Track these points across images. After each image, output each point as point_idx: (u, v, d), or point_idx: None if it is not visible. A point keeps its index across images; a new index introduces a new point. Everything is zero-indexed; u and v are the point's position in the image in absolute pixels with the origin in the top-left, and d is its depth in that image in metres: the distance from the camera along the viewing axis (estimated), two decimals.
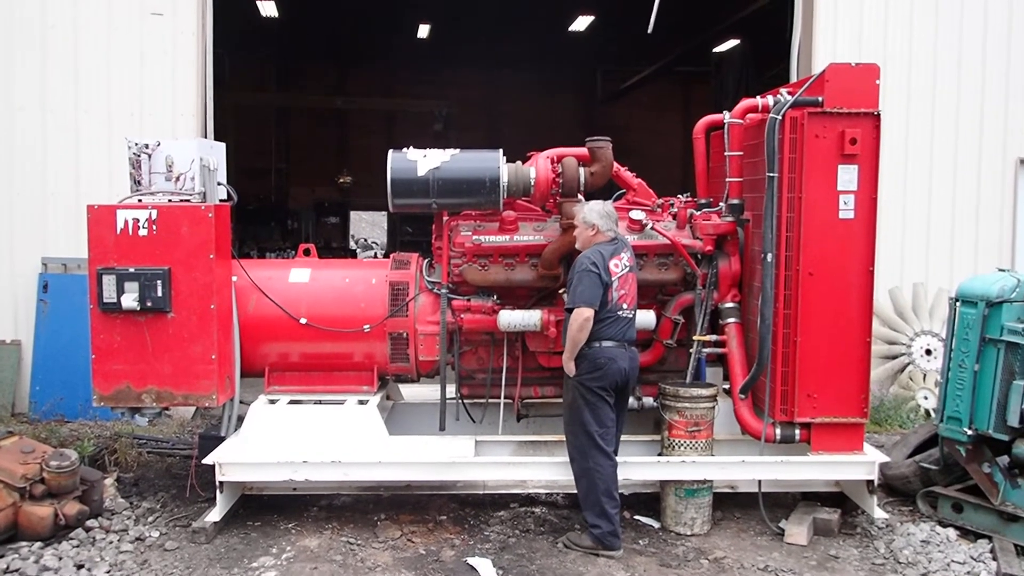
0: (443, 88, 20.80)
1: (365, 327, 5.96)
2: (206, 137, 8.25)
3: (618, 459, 5.45)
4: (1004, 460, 5.57)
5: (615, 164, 5.92)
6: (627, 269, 5.39)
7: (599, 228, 5.36)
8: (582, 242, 5.42)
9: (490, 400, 6.17)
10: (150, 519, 5.76)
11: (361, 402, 5.94)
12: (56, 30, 8.24)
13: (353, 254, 22.25)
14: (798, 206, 5.42)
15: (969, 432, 5.57)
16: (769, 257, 5.45)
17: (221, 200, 5.90)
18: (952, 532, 5.58)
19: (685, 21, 14.90)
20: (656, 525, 5.77)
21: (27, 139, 8.24)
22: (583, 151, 5.84)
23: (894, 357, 8.74)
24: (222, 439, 5.87)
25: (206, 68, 8.47)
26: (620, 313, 5.33)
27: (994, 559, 5.22)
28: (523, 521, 5.79)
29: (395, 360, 6.08)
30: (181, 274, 5.52)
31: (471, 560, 5.19)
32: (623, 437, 5.69)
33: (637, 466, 5.68)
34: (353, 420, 5.79)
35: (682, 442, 5.65)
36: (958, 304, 5.77)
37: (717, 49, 18.01)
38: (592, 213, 5.37)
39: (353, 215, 24.45)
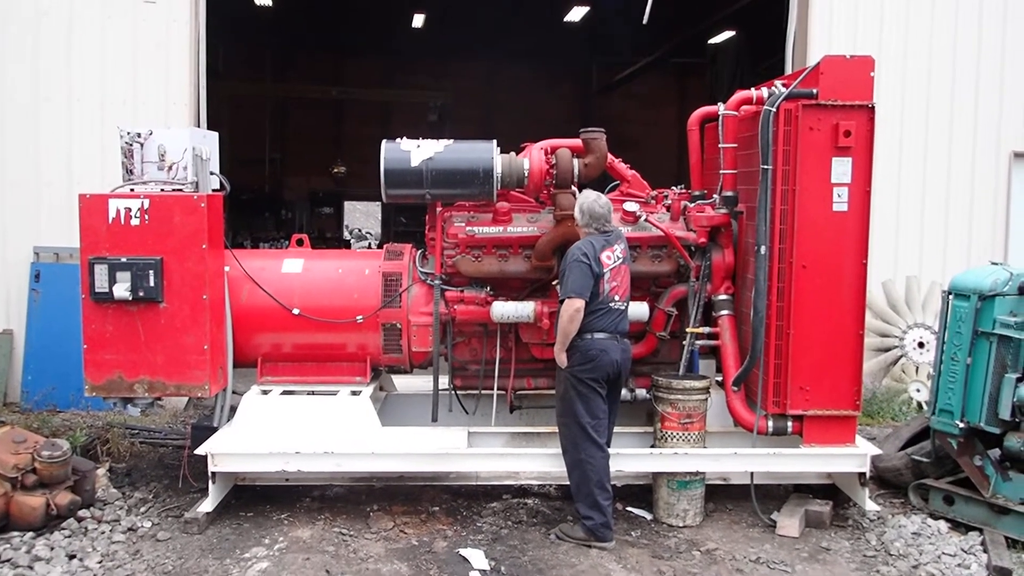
0: (438, 79, 20.75)
1: (358, 318, 5.95)
2: (199, 126, 8.22)
3: (610, 451, 5.45)
4: (995, 453, 5.58)
5: (609, 155, 5.91)
6: (620, 261, 5.38)
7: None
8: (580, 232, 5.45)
9: (483, 391, 6.17)
10: (142, 509, 5.75)
11: (354, 393, 5.94)
12: (49, 17, 8.19)
13: (347, 244, 22.22)
14: (792, 198, 5.42)
15: (961, 425, 5.58)
16: (763, 249, 5.45)
17: (214, 190, 5.88)
18: (943, 524, 5.59)
19: (680, 12, 14.89)
20: (648, 517, 5.78)
21: (19, 127, 8.20)
22: (577, 142, 5.83)
23: (887, 350, 8.75)
24: (215, 429, 5.86)
25: (199, 57, 8.42)
26: (612, 305, 5.33)
27: (985, 551, 5.24)
28: (515, 512, 5.79)
29: (388, 351, 6.07)
30: (173, 264, 5.51)
31: (463, 551, 5.20)
32: (616, 429, 5.70)
33: (629, 458, 5.69)
34: (346, 411, 5.78)
35: (675, 434, 5.65)
36: (951, 297, 5.78)
37: (712, 41, 17.97)
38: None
39: (347, 205, 24.44)
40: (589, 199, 5.38)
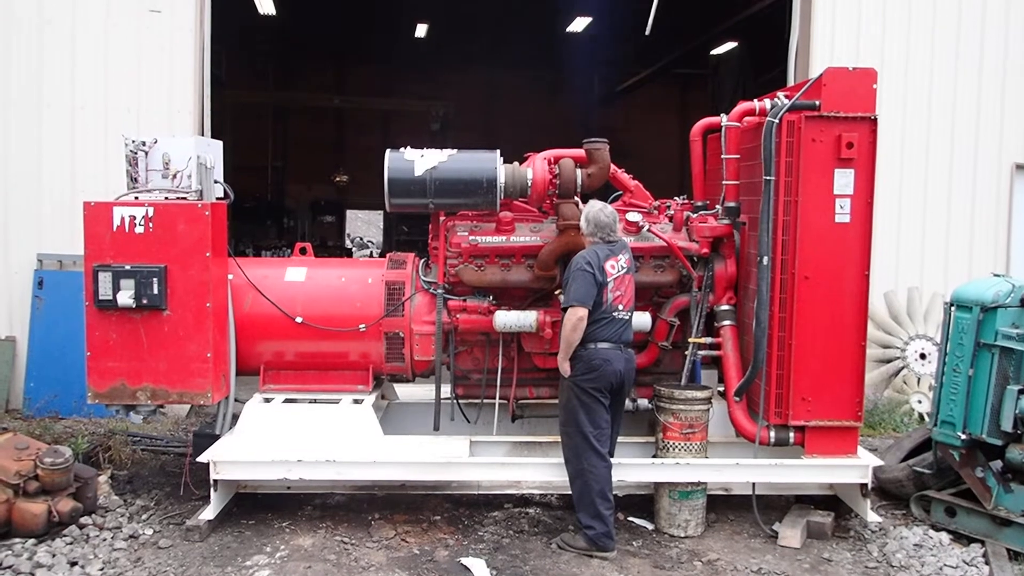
0: (441, 88, 20.81)
1: (361, 326, 5.96)
2: (203, 135, 8.23)
3: (612, 460, 5.46)
4: (997, 464, 5.58)
5: (612, 166, 5.92)
6: (624, 271, 5.39)
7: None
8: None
9: (485, 400, 6.17)
10: (144, 517, 5.76)
11: (356, 401, 5.94)
12: (53, 25, 8.22)
13: (349, 253, 22.24)
14: (794, 210, 5.43)
15: (963, 436, 5.58)
16: (765, 260, 5.46)
17: (218, 198, 5.90)
18: (945, 536, 5.60)
19: (683, 23, 14.93)
20: (650, 527, 5.78)
21: (23, 134, 8.23)
22: (580, 152, 5.85)
23: (889, 361, 8.75)
24: (217, 437, 5.86)
25: (203, 65, 8.46)
26: (616, 314, 5.34)
27: (986, 563, 5.24)
28: (517, 522, 5.79)
29: (390, 360, 6.08)
30: (177, 272, 5.52)
31: (465, 560, 5.20)
32: (618, 438, 5.70)
33: (631, 468, 5.68)
34: (348, 419, 5.79)
35: (677, 444, 5.65)
36: (953, 309, 5.79)
37: (715, 52, 18.05)
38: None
39: (349, 214, 24.49)
40: (595, 208, 5.40)
